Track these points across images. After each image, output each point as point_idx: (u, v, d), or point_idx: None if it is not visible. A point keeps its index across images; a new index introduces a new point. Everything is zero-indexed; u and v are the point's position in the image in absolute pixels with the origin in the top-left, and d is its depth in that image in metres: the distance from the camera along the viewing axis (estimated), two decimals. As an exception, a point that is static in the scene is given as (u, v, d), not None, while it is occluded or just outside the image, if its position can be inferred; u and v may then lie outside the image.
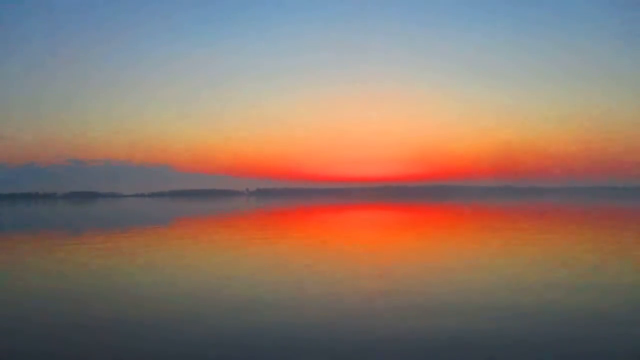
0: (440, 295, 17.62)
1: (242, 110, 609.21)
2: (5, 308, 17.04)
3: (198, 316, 15.27)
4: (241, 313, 15.58)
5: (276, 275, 22.47)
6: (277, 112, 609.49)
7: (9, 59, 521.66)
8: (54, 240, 41.50)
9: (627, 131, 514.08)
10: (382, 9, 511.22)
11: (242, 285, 20.21)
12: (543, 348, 11.93)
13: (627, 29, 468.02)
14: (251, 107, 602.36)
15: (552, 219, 61.50)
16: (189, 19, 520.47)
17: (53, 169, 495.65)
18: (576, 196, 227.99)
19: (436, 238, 39.25)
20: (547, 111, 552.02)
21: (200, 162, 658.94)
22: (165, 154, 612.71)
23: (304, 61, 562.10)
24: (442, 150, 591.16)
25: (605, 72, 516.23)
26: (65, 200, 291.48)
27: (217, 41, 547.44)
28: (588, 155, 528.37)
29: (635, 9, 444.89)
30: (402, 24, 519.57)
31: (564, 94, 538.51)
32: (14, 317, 15.67)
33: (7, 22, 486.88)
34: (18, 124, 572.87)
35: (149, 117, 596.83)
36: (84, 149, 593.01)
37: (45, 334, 13.58)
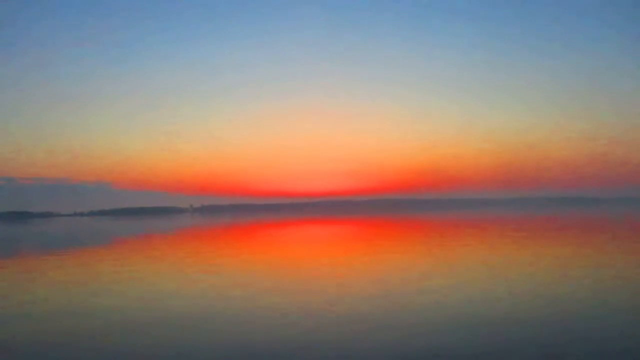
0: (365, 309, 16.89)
1: (187, 126, 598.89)
2: None
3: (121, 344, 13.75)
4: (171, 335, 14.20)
5: (218, 296, 21.16)
6: (222, 128, 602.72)
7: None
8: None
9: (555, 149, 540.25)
10: (331, 23, 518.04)
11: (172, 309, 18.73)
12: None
13: (594, 53, 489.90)
14: (196, 122, 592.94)
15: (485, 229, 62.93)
16: (135, 36, 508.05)
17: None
18: (515, 207, 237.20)
19: (365, 251, 38.91)
20: (500, 127, 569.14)
21: (143, 179, 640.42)
22: (106, 171, 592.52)
23: (251, 76, 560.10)
24: (391, 164, 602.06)
25: (562, 91, 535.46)
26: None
27: (163, 57, 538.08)
28: (528, 168, 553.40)
29: (597, 38, 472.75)
30: (352, 38, 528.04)
31: (518, 110, 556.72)
32: None
33: None
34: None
35: (89, 133, 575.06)
36: (17, 166, 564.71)
37: None
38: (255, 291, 22.80)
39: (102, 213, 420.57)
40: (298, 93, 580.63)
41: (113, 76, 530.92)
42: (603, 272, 24.97)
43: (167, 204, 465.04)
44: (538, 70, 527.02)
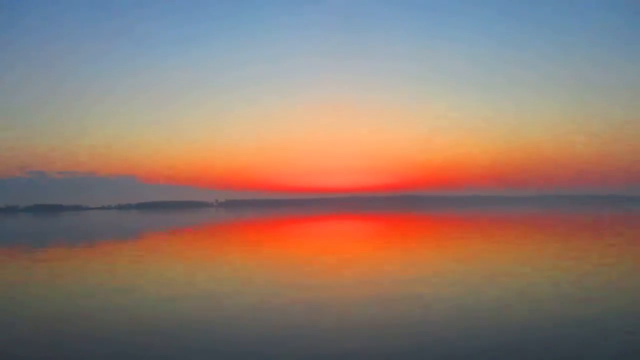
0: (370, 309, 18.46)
1: (211, 121, 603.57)
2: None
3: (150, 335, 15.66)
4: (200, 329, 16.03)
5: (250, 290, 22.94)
6: (246, 123, 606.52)
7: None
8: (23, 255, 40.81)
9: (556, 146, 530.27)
10: (355, 20, 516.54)
11: (200, 302, 20.65)
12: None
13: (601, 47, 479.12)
14: (220, 117, 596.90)
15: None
16: (155, 29, 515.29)
17: (13, 181, 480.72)
18: (532, 205, 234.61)
19: (386, 248, 40.28)
20: (519, 125, 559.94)
21: (169, 173, 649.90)
22: (132, 165, 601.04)
23: (274, 70, 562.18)
24: (413, 161, 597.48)
25: (579, 84, 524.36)
26: (28, 214, 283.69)
27: (185, 51, 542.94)
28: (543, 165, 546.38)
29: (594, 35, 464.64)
30: (374, 35, 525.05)
31: (543, 107, 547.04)
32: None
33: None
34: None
35: (116, 128, 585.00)
36: (47, 160, 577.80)
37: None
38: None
39: (129, 207, 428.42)
40: (324, 89, 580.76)
41: (138, 70, 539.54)
42: None
43: (192, 198, 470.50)
44: (562, 66, 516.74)
